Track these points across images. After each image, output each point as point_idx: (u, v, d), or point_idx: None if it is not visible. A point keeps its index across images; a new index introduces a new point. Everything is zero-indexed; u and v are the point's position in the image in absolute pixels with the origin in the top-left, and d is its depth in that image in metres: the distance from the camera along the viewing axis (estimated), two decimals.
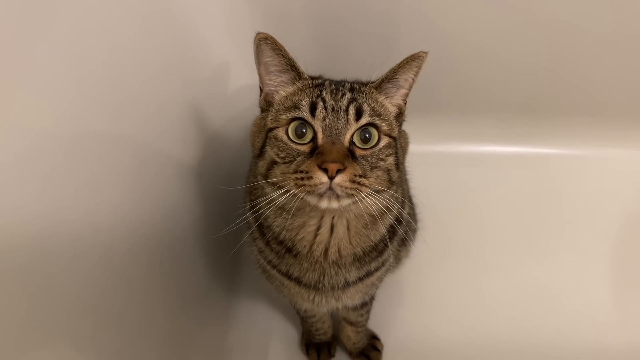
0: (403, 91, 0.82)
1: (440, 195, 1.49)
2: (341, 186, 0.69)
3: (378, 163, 0.75)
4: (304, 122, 0.74)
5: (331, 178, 0.68)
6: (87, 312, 0.84)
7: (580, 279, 1.39)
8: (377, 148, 0.75)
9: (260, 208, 0.82)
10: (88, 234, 0.84)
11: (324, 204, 0.71)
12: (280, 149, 0.74)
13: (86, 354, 0.84)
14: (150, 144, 1.05)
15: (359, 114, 0.74)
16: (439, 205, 1.39)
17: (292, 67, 0.78)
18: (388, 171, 0.77)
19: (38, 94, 0.75)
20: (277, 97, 0.80)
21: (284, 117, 0.75)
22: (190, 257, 1.21)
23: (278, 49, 0.76)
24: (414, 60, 0.78)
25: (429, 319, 1.33)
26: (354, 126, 0.74)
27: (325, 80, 0.81)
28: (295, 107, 0.75)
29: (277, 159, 0.74)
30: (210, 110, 1.26)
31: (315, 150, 0.71)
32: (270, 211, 0.78)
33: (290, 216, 0.79)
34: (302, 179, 0.69)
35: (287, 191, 0.71)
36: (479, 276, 1.40)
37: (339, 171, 0.68)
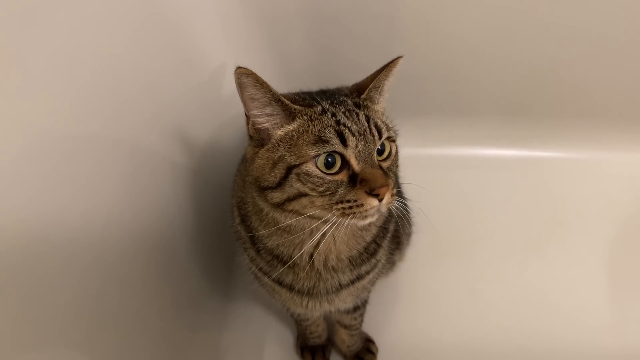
0: (384, 94, 0.83)
1: (436, 198, 1.48)
2: (387, 203, 0.72)
3: (396, 169, 0.79)
4: (332, 152, 0.72)
5: (380, 200, 0.71)
6: (82, 314, 0.84)
7: (576, 282, 1.39)
8: (392, 156, 0.78)
9: (253, 226, 0.85)
10: (82, 236, 0.84)
11: (367, 221, 0.74)
12: (317, 184, 0.72)
13: (81, 356, 0.84)
14: (146, 146, 1.05)
15: (379, 132, 0.75)
16: (435, 209, 1.38)
17: (278, 101, 0.74)
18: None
19: (34, 97, 0.75)
20: (278, 133, 0.76)
21: (312, 152, 0.71)
22: (184, 259, 1.21)
23: (259, 85, 0.72)
24: (395, 66, 0.81)
25: (424, 322, 1.33)
26: (378, 144, 0.75)
27: (322, 102, 0.77)
28: (321, 140, 0.71)
29: (313, 193, 0.72)
30: (205, 113, 1.26)
31: (353, 177, 0.72)
32: (271, 232, 0.80)
33: (290, 236, 0.80)
34: (350, 207, 0.71)
35: (315, 218, 0.74)
36: (474, 279, 1.40)
37: None
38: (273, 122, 0.76)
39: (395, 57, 0.81)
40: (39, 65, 0.76)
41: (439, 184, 1.57)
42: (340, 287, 0.91)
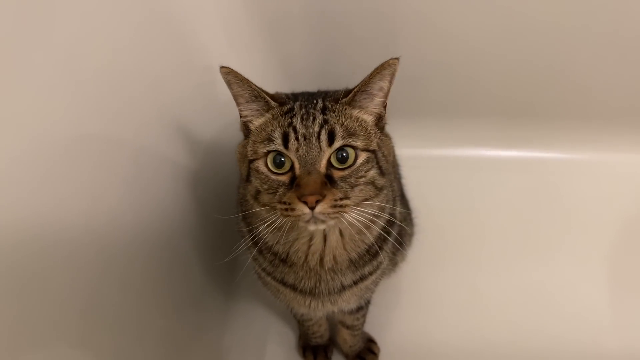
0: (378, 99, 0.80)
1: (438, 199, 1.49)
2: (323, 213, 0.71)
3: (358, 181, 0.75)
4: (279, 152, 0.74)
5: (312, 208, 0.70)
6: (84, 314, 0.85)
7: (578, 282, 1.39)
8: (354, 167, 0.75)
9: (252, 222, 0.85)
10: (84, 235, 0.85)
11: (311, 227, 0.74)
12: (263, 181, 0.76)
13: (83, 355, 0.84)
14: (148, 146, 1.05)
15: (331, 138, 0.73)
16: (437, 209, 1.39)
17: (258, 96, 0.78)
18: (372, 182, 0.77)
19: (37, 97, 0.76)
20: (252, 127, 0.81)
21: (261, 150, 0.76)
22: (186, 259, 1.22)
23: (241, 81, 0.76)
24: (385, 69, 0.76)
25: (426, 322, 1.33)
26: (327, 151, 0.73)
27: (296, 102, 0.79)
28: (269, 139, 0.75)
29: (261, 189, 0.76)
30: (207, 114, 1.27)
31: (294, 180, 0.73)
32: (263, 228, 0.79)
33: (282, 232, 0.80)
34: (286, 209, 0.72)
35: (278, 216, 0.75)
36: (476, 280, 1.40)
37: (318, 201, 0.70)
38: (254, 117, 0.81)
39: (400, 57, 0.76)
40: (41, 66, 0.76)
41: (441, 184, 1.58)
42: (343, 288, 0.92)
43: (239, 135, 0.87)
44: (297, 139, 0.73)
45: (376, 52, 1.38)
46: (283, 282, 0.92)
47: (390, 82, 0.79)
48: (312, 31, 1.39)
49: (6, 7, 0.71)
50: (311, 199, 0.69)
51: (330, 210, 0.70)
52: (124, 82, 0.96)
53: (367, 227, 0.83)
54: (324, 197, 0.70)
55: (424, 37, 1.39)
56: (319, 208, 0.70)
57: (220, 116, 1.29)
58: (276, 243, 0.87)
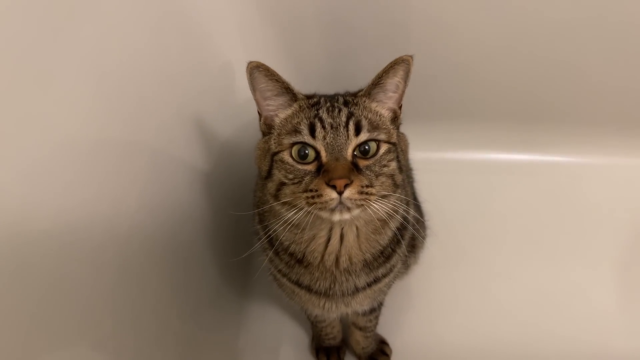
0: (391, 95, 0.82)
1: (449, 202, 1.49)
2: (350, 199, 0.71)
3: (382, 170, 0.77)
4: (305, 143, 0.76)
5: (340, 193, 0.71)
6: (105, 315, 0.87)
7: (587, 285, 1.39)
8: (378, 156, 0.77)
9: (269, 224, 0.86)
10: (104, 237, 0.86)
11: (336, 217, 0.74)
12: (288, 171, 0.76)
13: (104, 355, 0.86)
14: (165, 150, 1.07)
15: (358, 129, 0.76)
16: (448, 212, 1.40)
17: (287, 89, 0.80)
18: (392, 176, 0.79)
19: (61, 102, 0.77)
20: (276, 120, 0.82)
21: (286, 141, 0.77)
22: (202, 261, 1.23)
23: (271, 75, 0.78)
24: (398, 64, 0.79)
25: (438, 325, 1.34)
26: (354, 141, 0.75)
27: (320, 98, 0.82)
28: (295, 131, 0.77)
29: (286, 181, 0.77)
30: (222, 118, 1.28)
31: (321, 168, 0.74)
32: (281, 227, 0.80)
33: (299, 230, 0.81)
34: (312, 197, 0.72)
35: (300, 209, 0.74)
36: (487, 282, 1.40)
37: (346, 186, 0.71)
38: (280, 110, 0.82)
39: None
40: (64, 72, 0.78)
41: (453, 187, 1.58)
42: (357, 290, 0.93)
43: (254, 137, 0.88)
44: (324, 127, 0.75)
45: (389, 55, 1.38)
46: (298, 284, 0.93)
47: (405, 81, 0.81)
48: (325, 34, 1.40)
49: (30, 16, 0.72)
50: (340, 183, 0.70)
51: (357, 196, 0.71)
52: (141, 85, 0.98)
53: (384, 226, 0.85)
54: (352, 182, 0.71)
55: (436, 40, 1.40)
56: (347, 193, 0.71)
57: (235, 118, 1.30)
58: (292, 243, 0.87)
